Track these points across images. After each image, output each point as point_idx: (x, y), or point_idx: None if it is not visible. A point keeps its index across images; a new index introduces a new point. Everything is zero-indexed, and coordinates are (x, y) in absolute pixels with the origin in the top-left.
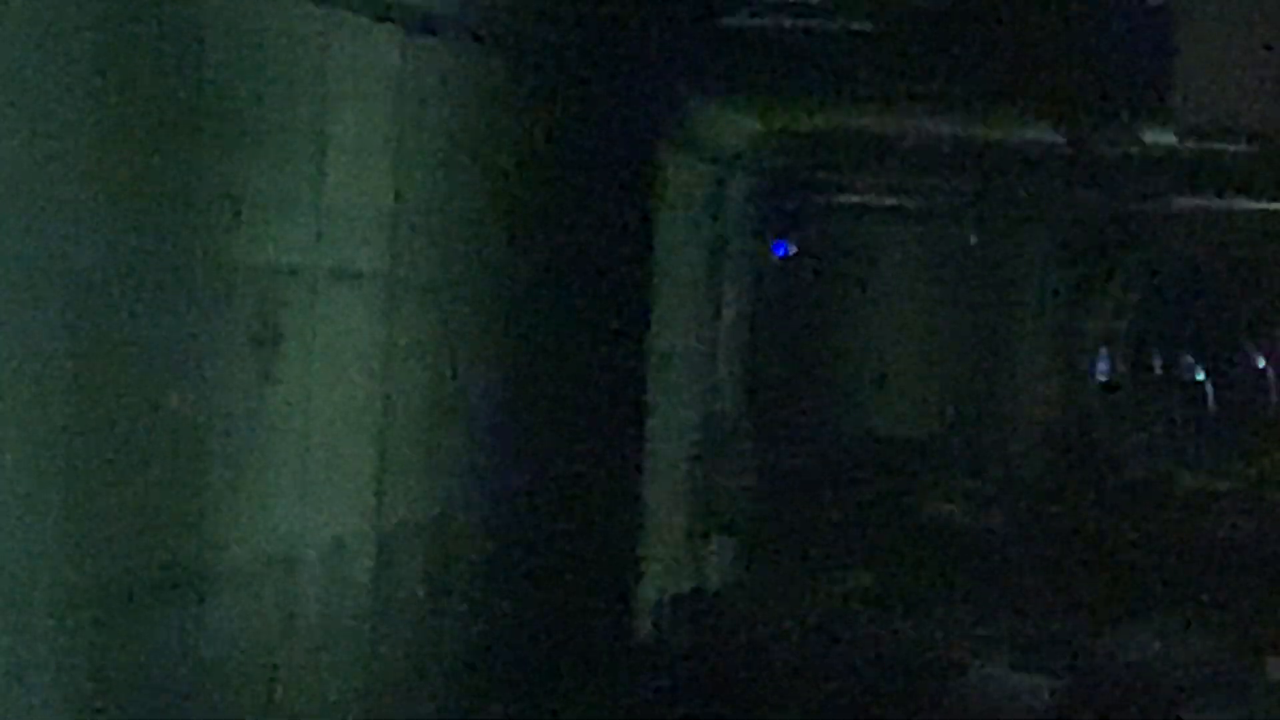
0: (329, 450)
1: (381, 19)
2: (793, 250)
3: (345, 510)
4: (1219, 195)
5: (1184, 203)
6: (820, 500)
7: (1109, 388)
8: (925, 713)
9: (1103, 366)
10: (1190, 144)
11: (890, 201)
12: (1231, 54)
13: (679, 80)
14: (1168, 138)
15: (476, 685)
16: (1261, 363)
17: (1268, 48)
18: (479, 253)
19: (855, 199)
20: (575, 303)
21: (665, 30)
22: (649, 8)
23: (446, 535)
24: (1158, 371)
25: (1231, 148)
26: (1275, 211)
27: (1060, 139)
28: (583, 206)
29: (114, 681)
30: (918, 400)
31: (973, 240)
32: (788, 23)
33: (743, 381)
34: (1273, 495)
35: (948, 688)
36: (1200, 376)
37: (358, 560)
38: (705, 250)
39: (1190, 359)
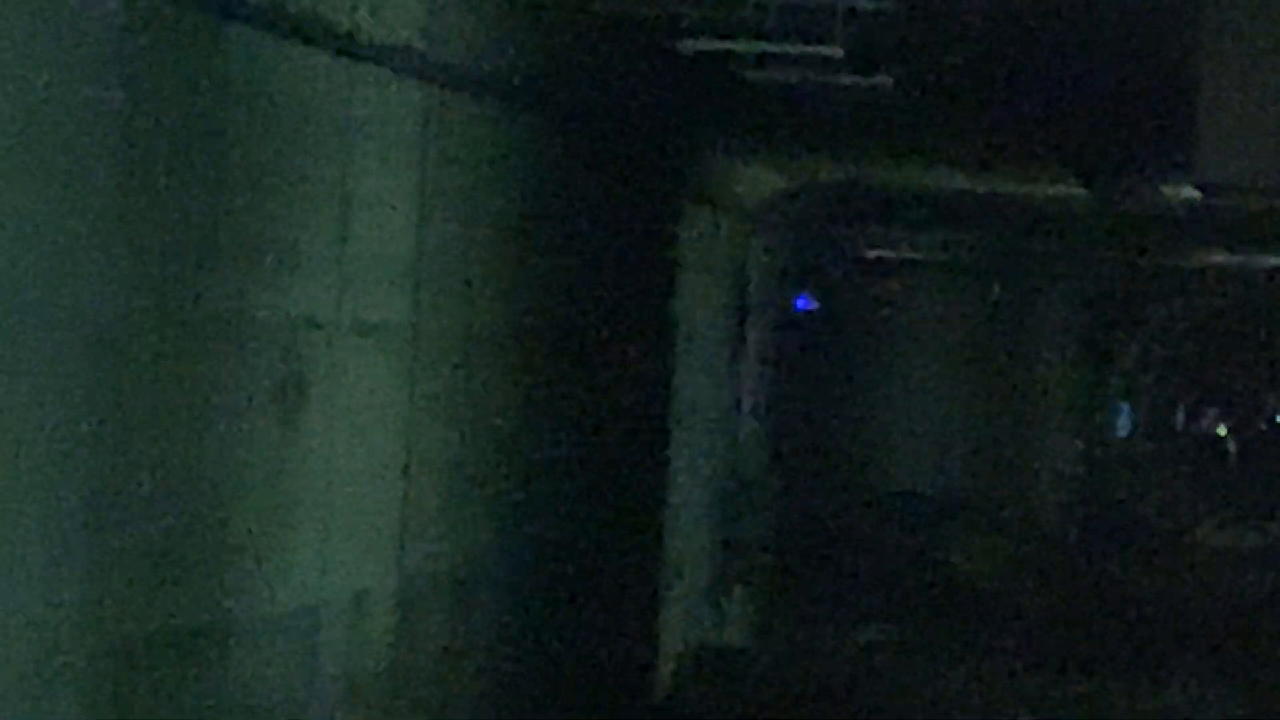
0: (351, 502)
1: (405, 73)
2: (814, 305)
3: (367, 563)
4: (1241, 250)
5: (1206, 257)
6: (841, 555)
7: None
8: None
9: (1124, 421)
10: (1213, 199)
11: (912, 256)
12: (1253, 110)
13: (702, 135)
14: (1190, 193)
15: None
16: None
17: None
18: (501, 306)
19: (877, 254)
20: (598, 357)
21: (689, 86)
22: (672, 64)
23: (468, 588)
24: (1179, 426)
25: (1254, 203)
26: None
27: (1083, 194)
28: (606, 261)
29: None
30: (939, 455)
31: (995, 294)
32: (811, 78)
33: (764, 436)
34: None
35: None
36: (1222, 431)
37: (379, 613)
38: (728, 304)
39: (1212, 413)
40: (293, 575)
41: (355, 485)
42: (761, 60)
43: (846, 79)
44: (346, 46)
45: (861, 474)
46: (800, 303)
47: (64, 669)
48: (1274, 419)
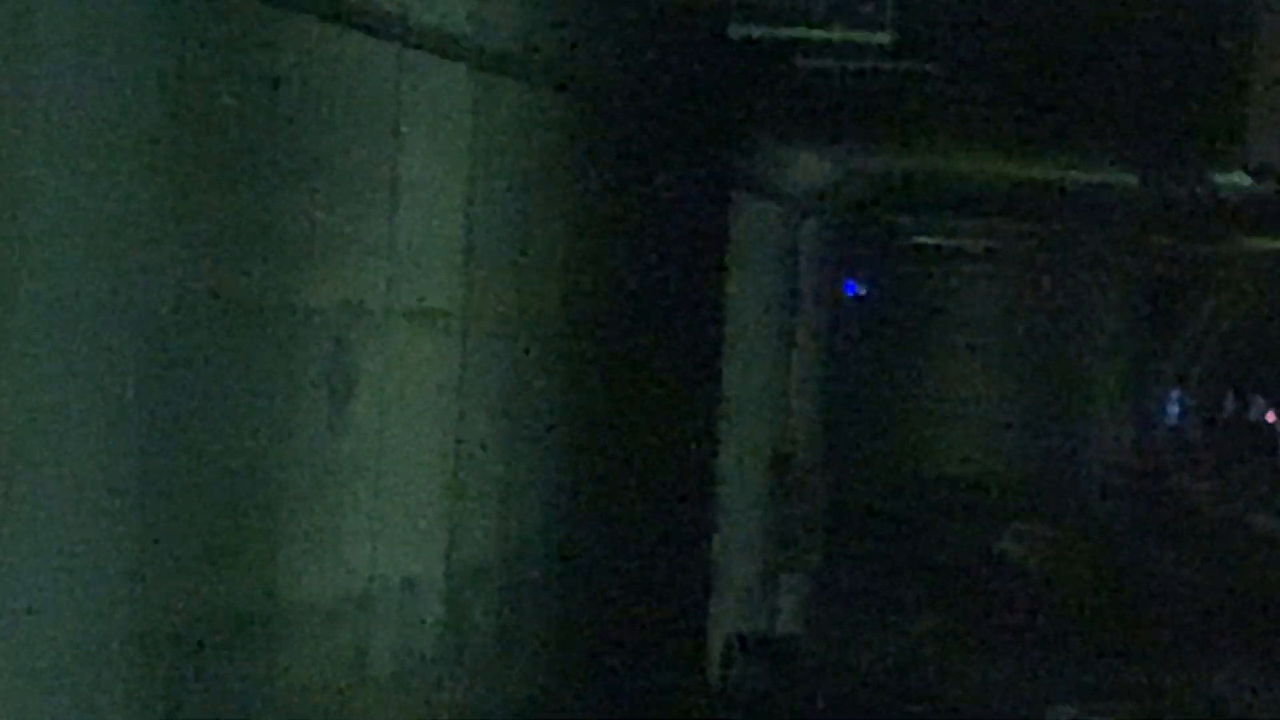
0: (401, 490)
1: (454, 58)
2: (863, 291)
3: (417, 550)
4: None
5: (1256, 244)
6: (891, 541)
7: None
8: None
9: (1174, 409)
10: (1263, 185)
11: (961, 243)
12: None
13: (752, 122)
14: (1240, 179)
15: None
16: None
17: None
18: (551, 292)
19: (927, 240)
20: (648, 342)
21: (739, 72)
22: (723, 50)
23: (518, 575)
24: (1229, 413)
25: None
26: None
27: (1132, 181)
28: (656, 247)
29: None
30: (988, 441)
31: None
32: (861, 66)
33: (814, 421)
34: None
35: None
36: (1272, 418)
37: (430, 600)
38: (778, 291)
39: (1262, 401)
40: (343, 562)
41: (405, 472)
42: (812, 47)
43: (896, 66)
44: (396, 32)
45: (911, 460)
46: (850, 289)
47: (114, 656)
48: None
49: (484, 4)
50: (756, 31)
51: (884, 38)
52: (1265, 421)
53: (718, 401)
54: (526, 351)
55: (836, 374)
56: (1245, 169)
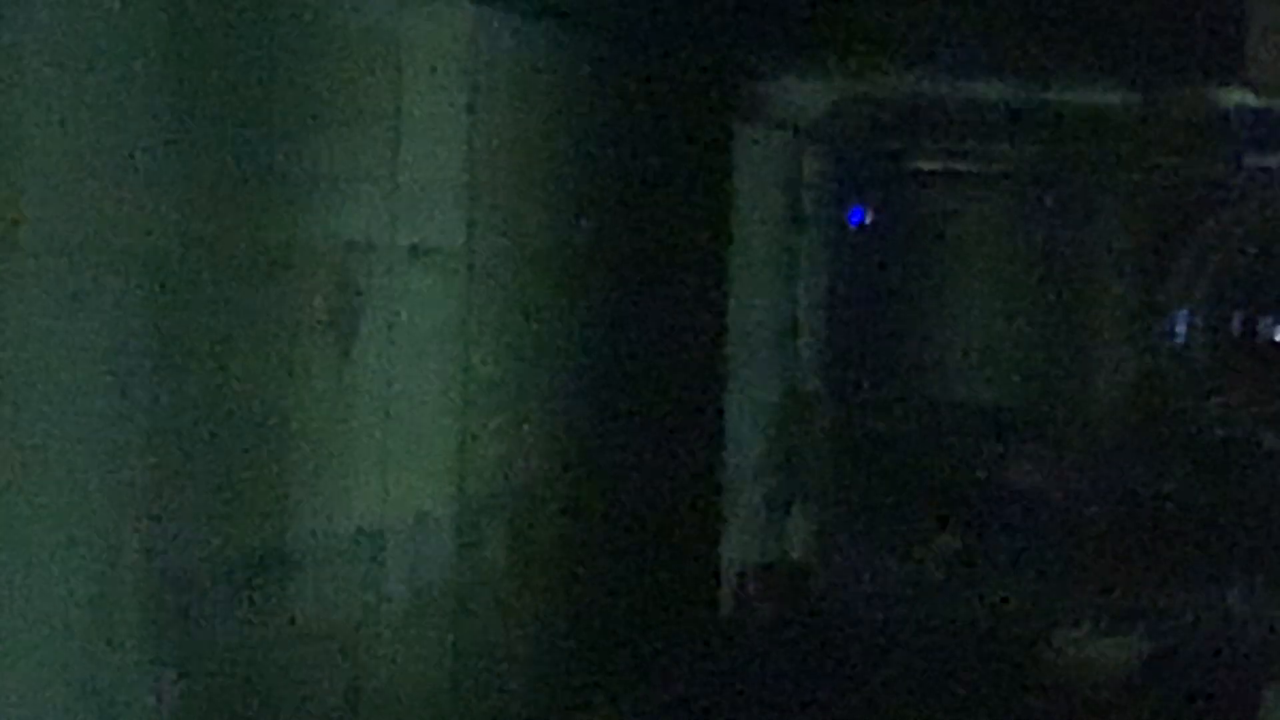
0: (410, 426)
1: None
2: (868, 218)
3: (428, 485)
4: None
5: (1260, 160)
6: (900, 468)
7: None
8: (1010, 679)
9: (1180, 329)
10: (1265, 101)
11: (965, 167)
12: None
13: (752, 50)
14: (1242, 95)
15: (559, 657)
16: None
17: None
18: (555, 227)
19: (930, 165)
20: (652, 274)
21: (738, 0)
22: None
23: (529, 508)
24: (1236, 332)
25: None
26: None
27: (1134, 100)
28: (658, 178)
29: (202, 661)
30: (995, 366)
31: (1048, 203)
32: None
33: (821, 350)
34: None
35: (1032, 654)
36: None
37: (441, 534)
38: (781, 220)
39: (1270, 319)
40: (354, 499)
41: (414, 408)
42: None
43: None
44: None
45: (918, 387)
46: (854, 216)
47: (126, 598)
48: None
49: None
50: None
51: None
52: (1273, 341)
53: (725, 332)
54: (531, 286)
55: (842, 301)
56: (1248, 85)
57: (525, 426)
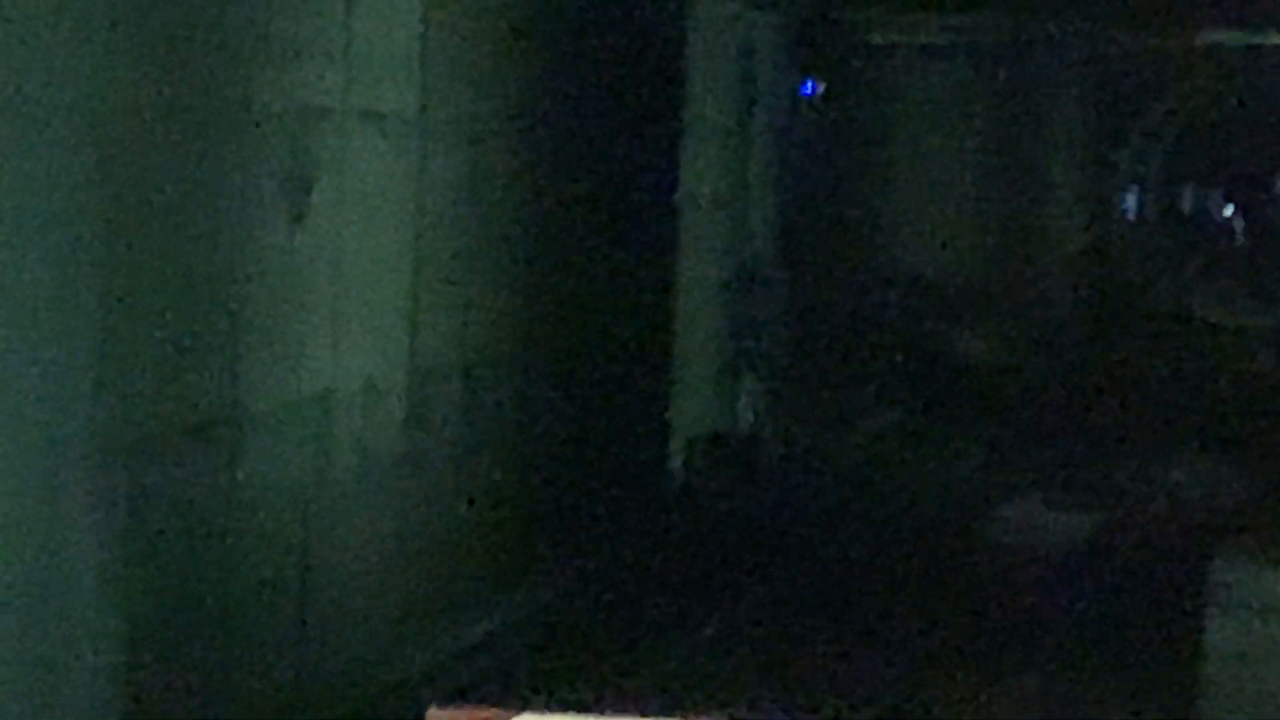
0: (361, 292)
1: None
2: (820, 89)
3: (378, 351)
4: (1247, 28)
5: (1210, 36)
6: (851, 340)
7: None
8: (960, 551)
9: (1131, 203)
10: None
11: (920, 39)
12: None
13: None
14: None
15: (508, 525)
16: None
17: None
18: (507, 95)
19: (884, 37)
20: (605, 144)
21: None
22: None
23: (479, 377)
24: (1187, 208)
25: None
26: None
27: None
28: (611, 47)
29: (151, 524)
30: (947, 240)
31: (1001, 77)
32: None
33: (773, 223)
34: None
35: (982, 526)
36: (1229, 212)
37: (391, 400)
38: (734, 91)
39: (1219, 194)
40: (305, 363)
41: (365, 274)
42: None
43: None
44: None
45: (870, 260)
46: (807, 88)
47: (75, 464)
48: None
49: None
50: None
51: None
52: (1223, 216)
53: (675, 204)
54: (484, 156)
55: (795, 173)
56: None
57: (476, 295)
